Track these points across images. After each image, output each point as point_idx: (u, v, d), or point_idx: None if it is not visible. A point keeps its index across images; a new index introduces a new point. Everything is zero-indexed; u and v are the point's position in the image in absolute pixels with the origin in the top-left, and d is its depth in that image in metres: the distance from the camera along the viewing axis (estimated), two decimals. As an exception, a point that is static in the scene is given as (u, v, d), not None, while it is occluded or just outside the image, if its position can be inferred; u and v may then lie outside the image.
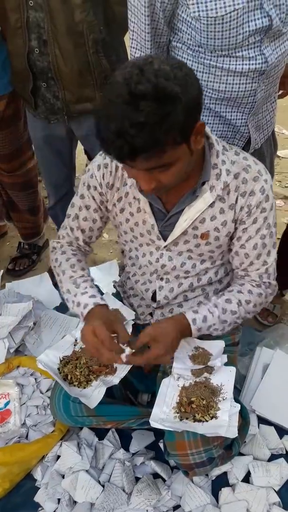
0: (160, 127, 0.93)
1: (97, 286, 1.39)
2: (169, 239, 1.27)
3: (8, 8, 1.63)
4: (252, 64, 1.35)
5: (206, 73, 1.39)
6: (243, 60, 1.35)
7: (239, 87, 1.40)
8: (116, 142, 0.95)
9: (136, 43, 1.41)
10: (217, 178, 1.19)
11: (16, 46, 1.70)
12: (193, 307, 1.32)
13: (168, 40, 1.41)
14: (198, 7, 1.26)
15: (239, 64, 1.35)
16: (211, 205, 1.21)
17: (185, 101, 0.95)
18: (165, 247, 1.30)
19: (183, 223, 1.23)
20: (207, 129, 1.19)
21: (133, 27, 1.39)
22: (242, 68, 1.35)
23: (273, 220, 1.27)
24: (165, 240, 1.29)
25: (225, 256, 1.35)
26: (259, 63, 1.36)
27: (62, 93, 1.72)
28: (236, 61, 1.35)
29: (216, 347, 1.37)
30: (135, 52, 1.43)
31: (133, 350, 1.22)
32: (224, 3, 1.23)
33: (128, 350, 1.21)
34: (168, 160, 1.01)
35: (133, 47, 1.43)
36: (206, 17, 1.25)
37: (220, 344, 1.38)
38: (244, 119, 1.50)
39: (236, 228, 1.26)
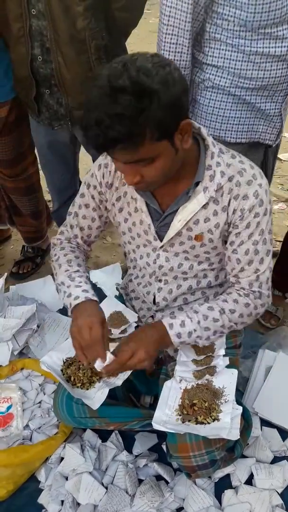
0: (135, 120, 0.96)
1: (95, 286, 1.39)
2: (165, 240, 1.28)
3: (11, 17, 1.64)
4: None
5: (245, 61, 1.44)
6: (282, 42, 1.39)
7: (276, 73, 1.45)
8: (94, 131, 0.99)
9: (173, 28, 1.41)
10: (211, 180, 1.18)
11: (19, 54, 1.71)
12: (172, 313, 1.32)
13: (199, 27, 1.43)
14: None
15: (279, 47, 1.40)
16: (205, 206, 1.21)
17: (164, 98, 0.97)
18: (161, 247, 1.30)
19: (177, 223, 1.23)
20: (203, 131, 1.19)
21: (169, 11, 1.39)
22: (281, 51, 1.40)
23: (268, 226, 1.22)
24: (161, 240, 1.30)
25: (224, 259, 1.33)
26: None
27: (65, 100, 1.74)
28: (276, 42, 1.39)
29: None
30: (170, 38, 1.43)
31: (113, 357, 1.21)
32: None
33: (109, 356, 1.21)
34: (147, 155, 1.03)
35: (169, 33, 1.43)
36: None
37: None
38: (278, 108, 1.54)
39: (229, 232, 1.24)
